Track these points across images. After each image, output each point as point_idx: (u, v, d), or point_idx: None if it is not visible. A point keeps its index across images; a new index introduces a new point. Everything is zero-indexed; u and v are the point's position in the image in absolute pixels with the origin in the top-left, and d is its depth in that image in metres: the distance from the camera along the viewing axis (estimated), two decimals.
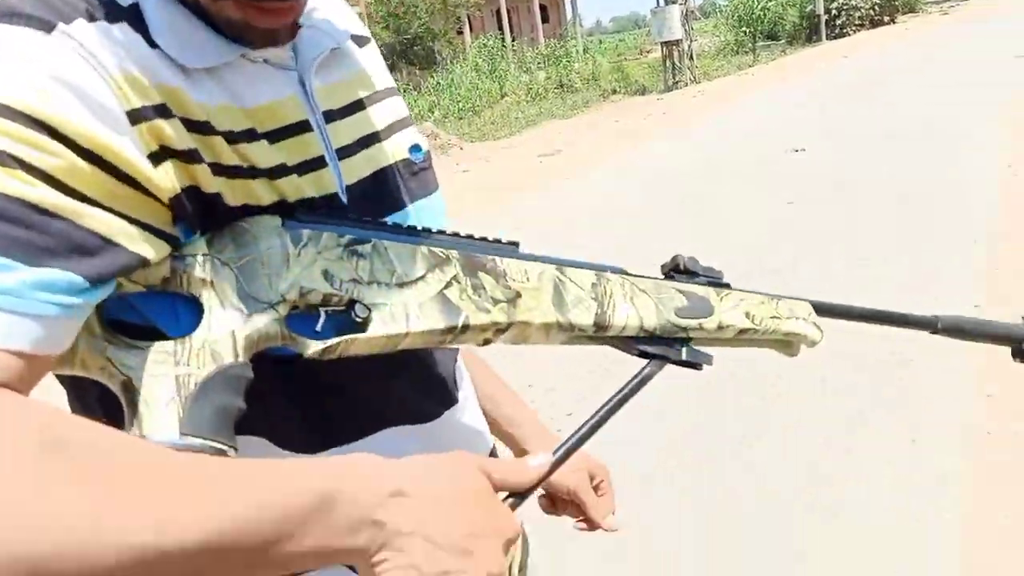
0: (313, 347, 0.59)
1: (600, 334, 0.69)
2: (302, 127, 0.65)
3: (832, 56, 16.85)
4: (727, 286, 0.77)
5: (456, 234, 0.68)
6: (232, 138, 0.60)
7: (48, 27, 0.53)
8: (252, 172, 0.61)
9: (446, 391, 0.77)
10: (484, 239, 0.69)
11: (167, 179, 0.57)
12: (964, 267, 4.09)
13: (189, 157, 0.58)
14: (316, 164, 0.65)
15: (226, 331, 0.57)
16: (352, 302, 0.60)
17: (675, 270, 0.76)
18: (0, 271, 0.48)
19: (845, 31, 22.75)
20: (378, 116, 0.73)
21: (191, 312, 0.58)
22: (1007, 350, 0.90)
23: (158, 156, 0.56)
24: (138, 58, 0.56)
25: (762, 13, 22.61)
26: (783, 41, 23.16)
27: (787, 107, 10.31)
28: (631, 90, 15.83)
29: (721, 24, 25.13)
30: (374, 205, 0.70)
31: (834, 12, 22.84)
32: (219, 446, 0.54)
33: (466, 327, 0.64)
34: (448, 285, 0.64)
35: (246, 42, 0.63)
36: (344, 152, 0.68)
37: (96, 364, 0.56)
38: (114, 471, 0.44)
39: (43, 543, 0.40)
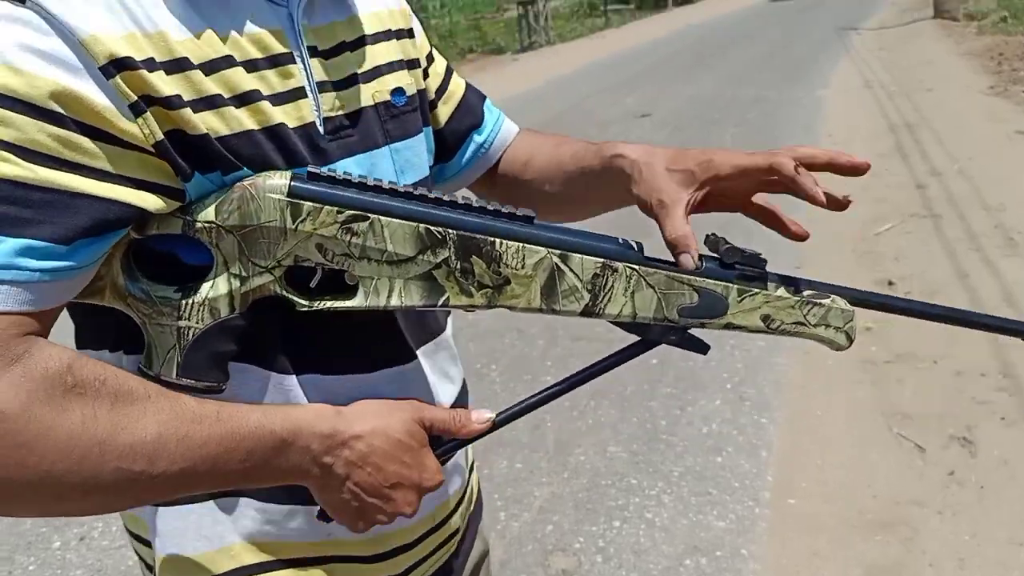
0: (303, 306, 0.67)
1: (587, 317, 0.71)
2: (286, 58, 0.68)
3: (677, 22, 17.60)
4: (762, 279, 0.72)
5: (468, 206, 0.68)
6: (210, 68, 0.63)
7: None
8: (232, 100, 0.64)
9: (423, 329, 0.83)
10: (498, 211, 0.69)
11: (147, 128, 0.60)
12: None
13: (170, 102, 0.60)
14: (297, 95, 0.69)
15: (225, 290, 0.65)
16: (343, 272, 0.67)
17: (714, 251, 0.73)
18: None
19: None
20: (362, 60, 0.76)
21: (205, 249, 0.65)
22: None
23: (137, 106, 0.59)
24: (117, 10, 0.60)
25: None
26: (633, 6, 23.85)
27: (636, 72, 10.78)
28: (488, 49, 15.94)
29: None
30: (349, 140, 0.73)
31: None
32: (209, 385, 0.67)
33: (444, 305, 0.68)
34: (437, 267, 0.67)
35: None
36: (324, 87, 0.72)
37: (120, 303, 0.65)
38: (120, 412, 0.58)
39: (62, 465, 0.55)
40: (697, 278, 0.71)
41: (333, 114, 0.72)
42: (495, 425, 0.74)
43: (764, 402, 2.84)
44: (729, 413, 2.79)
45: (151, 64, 0.60)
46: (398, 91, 0.79)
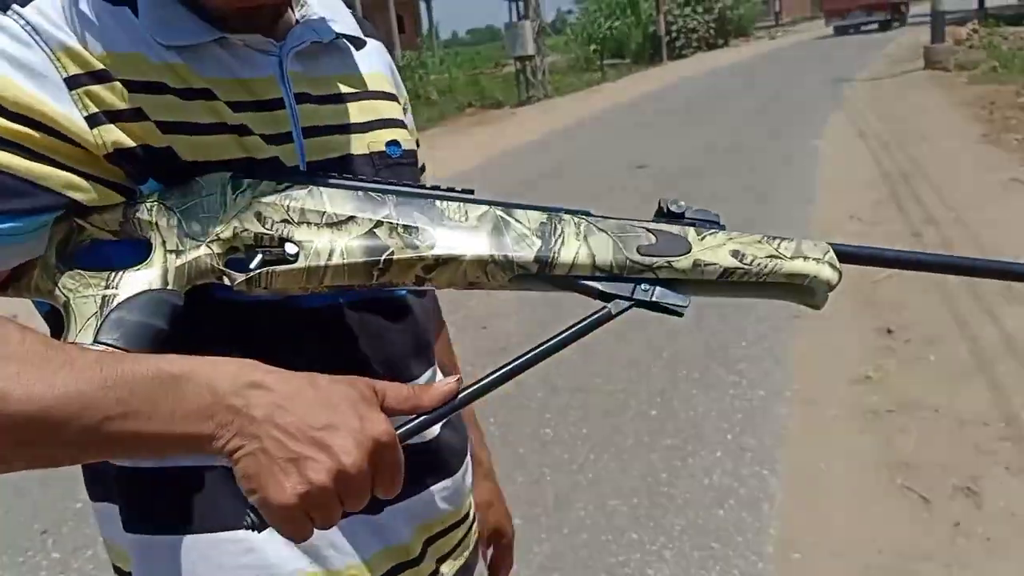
0: (239, 278, 0.63)
1: (546, 272, 0.65)
2: (276, 104, 0.71)
3: (672, 76, 17.91)
4: (717, 225, 0.70)
5: (407, 184, 0.68)
6: (190, 95, 0.65)
7: (4, 7, 0.61)
8: (209, 128, 0.66)
9: (402, 368, 0.81)
10: (436, 187, 0.69)
11: (101, 139, 0.62)
12: None
13: (131, 116, 0.63)
14: (282, 139, 0.71)
15: (160, 264, 0.63)
16: (283, 240, 0.64)
17: (659, 214, 0.70)
18: None
19: (684, 52, 24.20)
20: (358, 112, 0.78)
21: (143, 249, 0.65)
22: None
23: (95, 118, 0.62)
24: (95, 28, 0.63)
25: (609, 32, 23.71)
26: (628, 60, 24.28)
27: (632, 124, 10.92)
28: (487, 103, 16.17)
29: (571, 41, 26.08)
30: None
31: (674, 34, 24.27)
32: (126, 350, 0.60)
33: (390, 262, 0.64)
34: (378, 224, 0.65)
35: (228, 28, 0.68)
36: (312, 132, 0.73)
37: (46, 288, 0.63)
38: None
39: None
40: (651, 223, 0.69)
41: (318, 159, 0.73)
42: (458, 402, 0.62)
43: (765, 453, 2.80)
44: (730, 465, 2.75)
45: (107, 77, 0.63)
46: (393, 143, 0.81)
